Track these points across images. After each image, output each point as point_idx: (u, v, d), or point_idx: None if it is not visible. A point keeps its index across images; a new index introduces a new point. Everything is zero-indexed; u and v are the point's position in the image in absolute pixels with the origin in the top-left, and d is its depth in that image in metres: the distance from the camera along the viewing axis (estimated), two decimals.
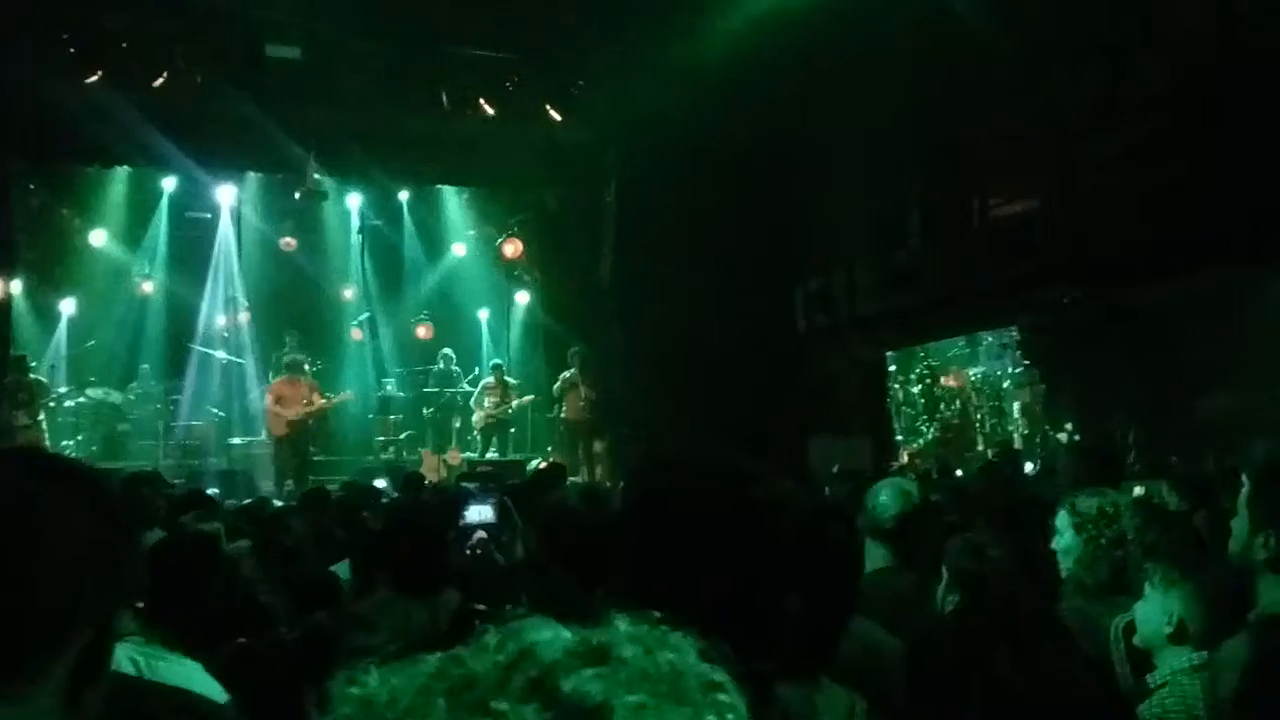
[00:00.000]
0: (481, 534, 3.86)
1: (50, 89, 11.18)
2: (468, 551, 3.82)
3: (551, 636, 0.71)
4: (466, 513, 4.02)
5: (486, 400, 14.31)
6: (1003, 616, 1.65)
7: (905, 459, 12.64)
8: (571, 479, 11.29)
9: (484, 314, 16.65)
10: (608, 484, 11.37)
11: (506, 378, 14.60)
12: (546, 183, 14.70)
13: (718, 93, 11.36)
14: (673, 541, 1.42)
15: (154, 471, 8.29)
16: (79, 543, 1.15)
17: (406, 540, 3.62)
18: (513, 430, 15.53)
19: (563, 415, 13.68)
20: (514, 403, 14.48)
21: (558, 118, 12.67)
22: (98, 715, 1.18)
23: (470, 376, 15.45)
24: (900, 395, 14.49)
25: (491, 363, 14.99)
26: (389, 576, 3.58)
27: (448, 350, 15.64)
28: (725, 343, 11.82)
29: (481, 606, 3.15)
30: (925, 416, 14.39)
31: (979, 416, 14.43)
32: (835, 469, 7.67)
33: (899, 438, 13.74)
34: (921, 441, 14.21)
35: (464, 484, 6.01)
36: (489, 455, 14.08)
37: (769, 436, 10.40)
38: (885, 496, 3.76)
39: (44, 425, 12.37)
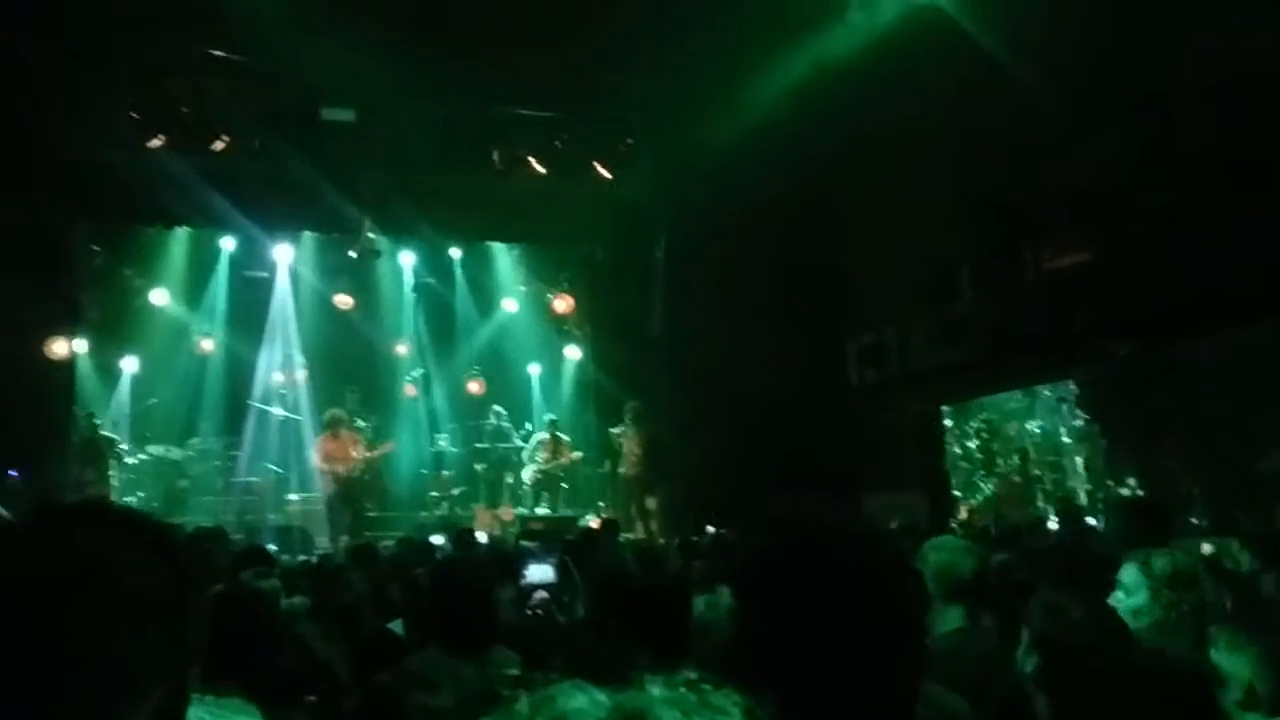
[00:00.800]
0: (543, 594, 3.83)
1: (115, 154, 11.55)
2: (529, 611, 3.79)
3: (585, 704, 0.69)
4: (527, 572, 3.99)
5: (539, 456, 14.32)
6: (1094, 681, 1.58)
7: (964, 515, 12.41)
8: (625, 535, 11.24)
9: (535, 369, 16.71)
10: (660, 540, 11.30)
11: (559, 434, 14.62)
12: (596, 238, 14.86)
13: (767, 148, 11.44)
14: (795, 608, 1.35)
15: (219, 527, 8.37)
16: (150, 599, 1.14)
17: (454, 598, 3.58)
18: (565, 486, 15.53)
19: (617, 470, 13.63)
20: (567, 459, 14.49)
21: (607, 174, 12.84)
22: None
23: (522, 432, 15.47)
24: (957, 450, 14.26)
25: (545, 418, 15.00)
26: (436, 634, 3.55)
27: (498, 407, 15.70)
28: (777, 398, 11.76)
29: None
30: (983, 471, 14.14)
31: (1038, 471, 14.14)
32: (895, 525, 7.54)
33: (956, 493, 13.50)
34: (979, 497, 13.95)
35: (524, 543, 5.97)
36: (540, 511, 14.05)
37: (822, 492, 10.28)
38: (950, 555, 3.67)
39: (111, 481, 12.56)
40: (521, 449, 14.81)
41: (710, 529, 9.95)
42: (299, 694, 3.25)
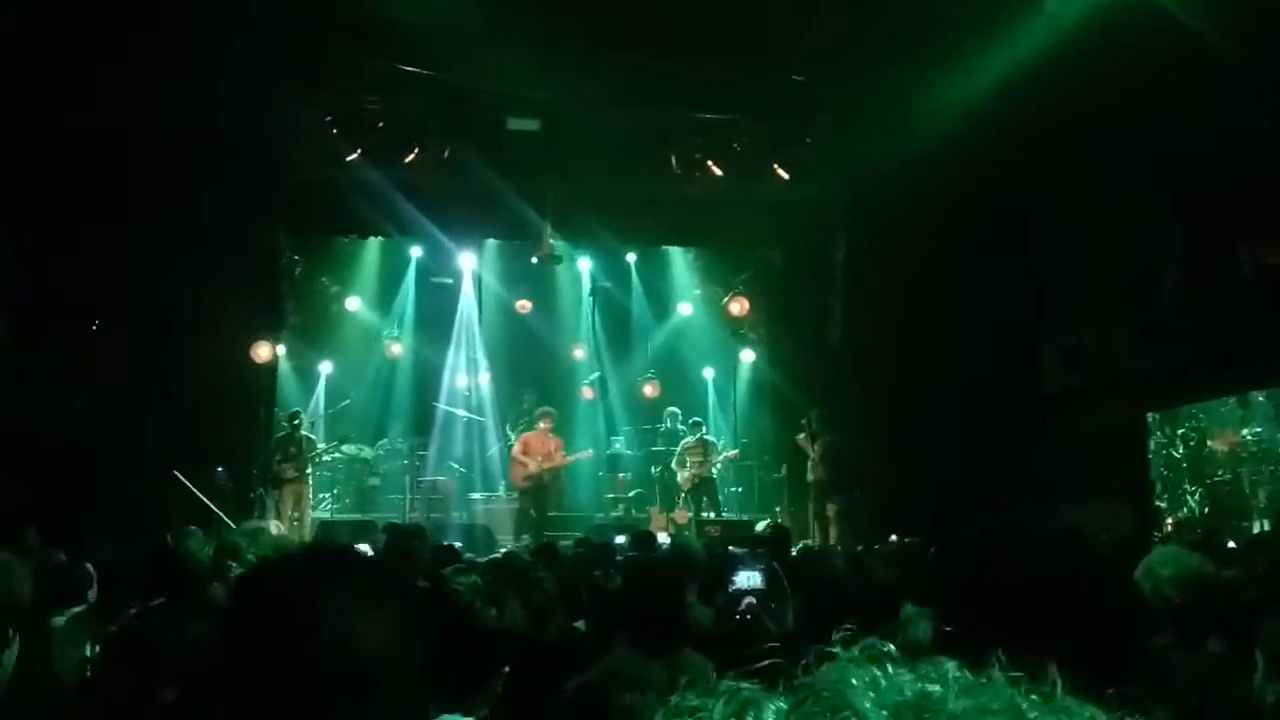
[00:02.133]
0: (751, 600, 3.77)
1: (315, 168, 12.21)
2: (736, 617, 3.74)
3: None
4: (735, 578, 3.94)
5: (688, 460, 14.27)
6: None
7: (1169, 527, 11.62)
8: (804, 541, 11.07)
9: (709, 372, 16.70)
10: (838, 548, 11.07)
11: (706, 436, 14.54)
12: (774, 240, 14.72)
13: (953, 144, 11.04)
14: (1003, 622, 1.26)
15: (418, 525, 8.71)
16: (389, 646, 1.18)
17: (645, 599, 3.55)
18: (737, 489, 15.44)
19: (796, 474, 13.43)
20: (717, 460, 14.41)
21: (785, 176, 12.68)
22: None
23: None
24: (1162, 458, 13.36)
25: (690, 421, 14.95)
26: (627, 635, 3.53)
27: (673, 409, 15.74)
28: (966, 404, 11.33)
29: None
30: (1189, 481, 13.20)
31: (1251, 482, 13.09)
32: (1104, 537, 7.11)
33: (1160, 504, 12.67)
34: (1186, 509, 13.03)
35: (732, 549, 5.94)
36: (706, 515, 13.98)
37: (1016, 503, 9.83)
38: (1178, 569, 3.40)
39: (309, 478, 13.25)
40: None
41: (894, 537, 9.66)
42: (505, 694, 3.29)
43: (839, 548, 10.99)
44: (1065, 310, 11.90)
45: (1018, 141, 11.18)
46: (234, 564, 5.06)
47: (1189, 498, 13.12)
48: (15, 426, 10.19)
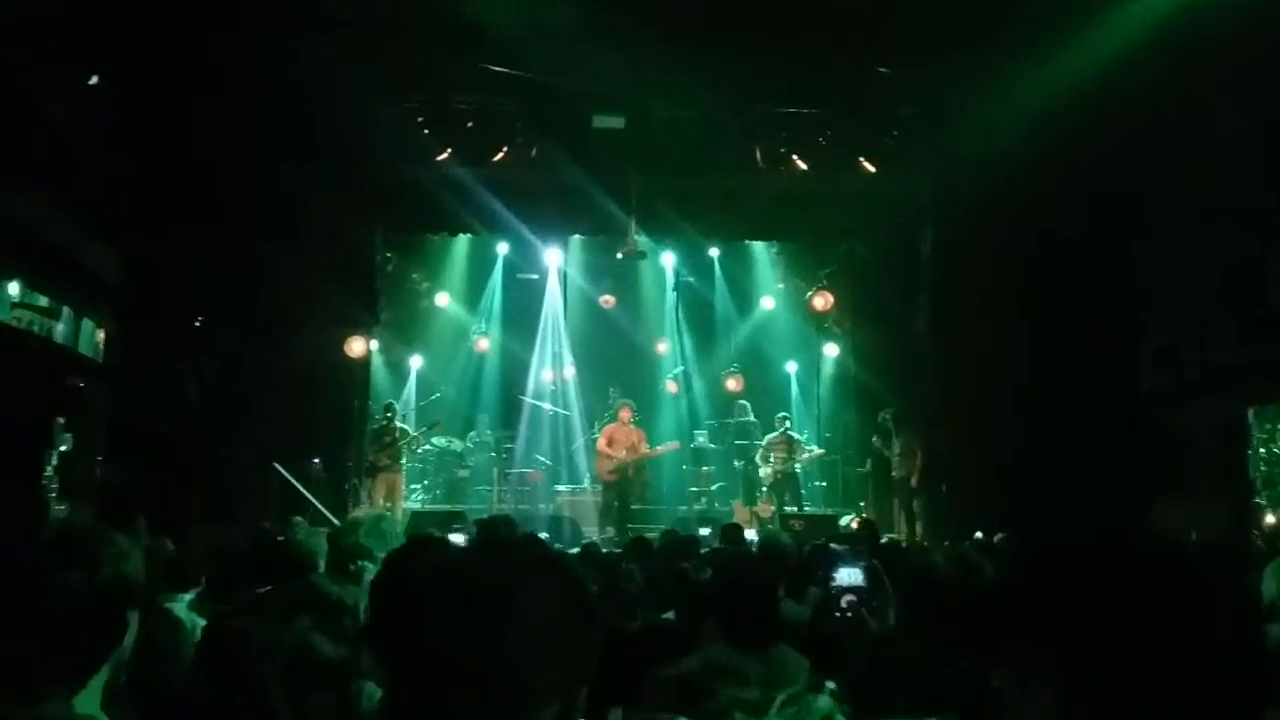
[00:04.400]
0: (852, 597, 3.81)
1: (407, 168, 12.49)
2: (836, 615, 3.79)
3: None
4: (836, 575, 3.99)
5: (773, 455, 14.27)
6: None
7: (1267, 526, 11.26)
8: (890, 536, 11.00)
9: (792, 367, 16.68)
10: (925, 544, 10.99)
11: (791, 431, 14.52)
12: (859, 234, 14.62)
13: (1042, 134, 10.82)
14: (1097, 626, 1.23)
15: (508, 516, 8.91)
16: (552, 624, 1.27)
17: (738, 592, 3.60)
18: (821, 483, 15.41)
19: (880, 470, 13.37)
20: (802, 457, 14.37)
21: (871, 169, 12.57)
22: None
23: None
24: (1262, 456, 12.92)
25: (777, 416, 14.95)
26: (720, 628, 3.57)
27: (743, 401, 15.81)
28: (1056, 402, 11.12)
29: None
30: None
31: None
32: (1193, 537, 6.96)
33: (1260, 500, 12.27)
34: None
35: (833, 545, 5.97)
36: (788, 509, 13.98)
37: (1108, 502, 9.64)
38: None
39: (403, 468, 13.59)
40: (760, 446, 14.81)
41: (979, 535, 9.55)
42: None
43: (924, 544, 10.92)
44: (1161, 303, 11.60)
45: (1110, 131, 10.91)
46: (363, 553, 5.14)
47: None
48: (128, 420, 10.66)
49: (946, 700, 2.28)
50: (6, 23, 8.13)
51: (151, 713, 2.35)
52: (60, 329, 10.18)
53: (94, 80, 9.88)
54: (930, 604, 2.66)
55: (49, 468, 9.69)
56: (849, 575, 3.94)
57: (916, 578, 2.96)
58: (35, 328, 9.68)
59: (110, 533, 2.19)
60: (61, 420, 9.97)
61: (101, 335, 11.00)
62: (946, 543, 9.20)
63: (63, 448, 9.90)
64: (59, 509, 9.52)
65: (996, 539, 8.11)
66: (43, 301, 9.84)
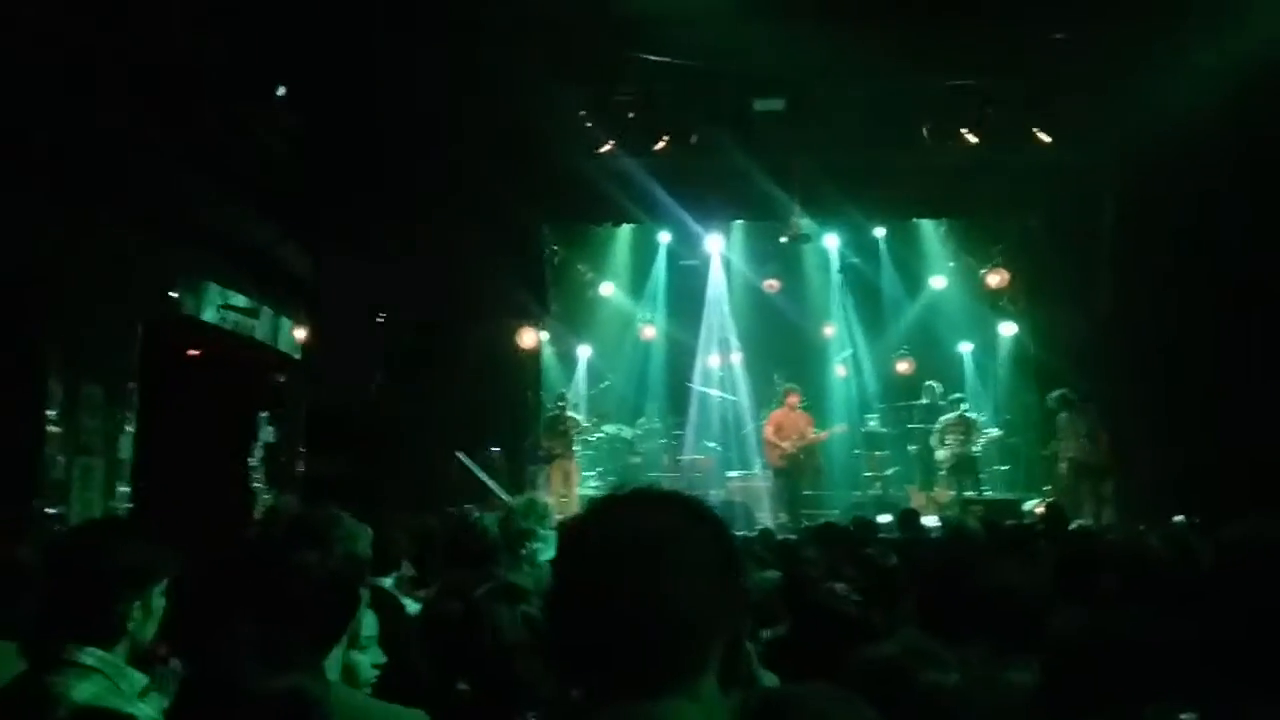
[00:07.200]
0: None
1: (571, 161, 12.72)
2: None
3: None
4: None
5: (949, 438, 13.86)
6: None
7: None
8: (1079, 521, 10.57)
9: (966, 347, 16.18)
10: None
11: (968, 413, 14.08)
12: (1034, 207, 14.06)
13: (1230, 100, 10.11)
14: None
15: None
16: (711, 567, 1.36)
17: (930, 579, 3.55)
18: (1003, 466, 14.93)
19: (1068, 454, 12.79)
20: (980, 439, 13.92)
21: (1046, 139, 12.05)
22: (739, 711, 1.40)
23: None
24: None
25: (951, 397, 14.53)
26: (913, 615, 3.53)
27: (931, 383, 15.37)
28: (1250, 380, 10.42)
29: None
30: None
31: None
32: None
33: None
34: None
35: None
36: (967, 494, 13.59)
37: None
38: None
39: (577, 456, 13.91)
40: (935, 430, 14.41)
41: (1180, 518, 9.06)
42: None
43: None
44: None
45: None
46: (529, 535, 5.33)
47: None
48: (325, 411, 11.31)
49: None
50: (208, 35, 8.69)
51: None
52: (259, 327, 10.85)
53: (281, 91, 10.45)
54: (1144, 585, 2.56)
55: (254, 459, 10.39)
56: None
57: (1129, 559, 2.85)
58: (238, 327, 10.36)
59: (340, 516, 2.36)
60: (264, 414, 10.66)
61: (299, 333, 11.69)
62: (1142, 527, 8.78)
63: (266, 440, 10.59)
64: (265, 499, 10.19)
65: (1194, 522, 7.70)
66: (243, 302, 10.51)
